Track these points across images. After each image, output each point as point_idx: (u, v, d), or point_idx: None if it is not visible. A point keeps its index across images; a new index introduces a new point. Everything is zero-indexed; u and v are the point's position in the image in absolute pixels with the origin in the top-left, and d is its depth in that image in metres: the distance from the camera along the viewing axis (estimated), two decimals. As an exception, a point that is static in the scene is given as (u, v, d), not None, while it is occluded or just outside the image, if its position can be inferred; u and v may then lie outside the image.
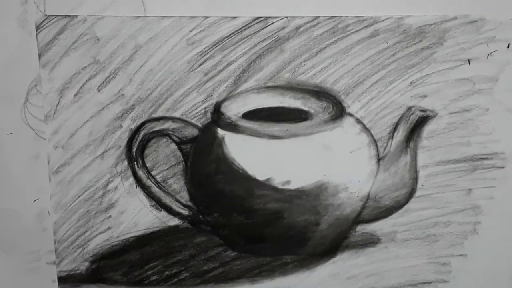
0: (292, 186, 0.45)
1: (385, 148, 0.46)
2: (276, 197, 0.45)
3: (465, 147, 0.46)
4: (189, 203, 0.47)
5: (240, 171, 0.45)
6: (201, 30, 0.44)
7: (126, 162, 0.46)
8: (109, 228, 0.47)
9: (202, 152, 0.46)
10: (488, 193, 0.47)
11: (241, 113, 0.45)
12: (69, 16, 0.44)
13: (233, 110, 0.45)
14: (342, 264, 0.48)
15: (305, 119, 0.45)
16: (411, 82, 0.45)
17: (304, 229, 0.46)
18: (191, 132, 0.46)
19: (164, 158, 0.47)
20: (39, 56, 0.44)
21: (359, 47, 0.45)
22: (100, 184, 0.47)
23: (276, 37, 0.44)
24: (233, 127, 0.45)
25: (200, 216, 0.47)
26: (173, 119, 0.46)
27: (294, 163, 0.45)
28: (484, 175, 0.47)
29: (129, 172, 0.47)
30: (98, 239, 0.48)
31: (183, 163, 0.47)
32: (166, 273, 0.48)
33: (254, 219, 0.46)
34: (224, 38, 0.44)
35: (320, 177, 0.45)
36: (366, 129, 0.46)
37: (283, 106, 0.46)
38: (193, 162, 0.46)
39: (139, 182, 0.47)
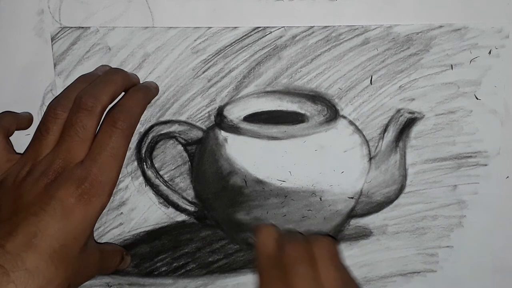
0: (290, 183, 0.46)
1: (376, 147, 0.47)
2: (274, 194, 0.46)
3: (450, 146, 0.47)
4: (195, 200, 0.48)
5: (242, 170, 0.46)
6: (205, 40, 0.44)
7: (136, 163, 0.47)
8: (121, 224, 0.48)
9: (206, 152, 0.47)
10: (472, 188, 0.47)
11: (242, 116, 0.46)
12: (82, 27, 0.44)
13: (235, 113, 0.46)
14: (337, 255, 0.48)
15: (302, 121, 0.46)
16: (400, 86, 0.45)
17: (301, 223, 0.47)
18: (196, 134, 0.46)
19: (171, 158, 0.47)
20: (54, 65, 0.45)
21: (351, 54, 0.45)
22: (112, 184, 0.47)
23: (274, 45, 0.45)
24: (235, 129, 0.46)
25: (205, 212, 0.48)
26: (179, 122, 0.46)
27: (292, 162, 0.46)
28: (469, 172, 0.47)
29: (139, 172, 0.47)
30: (111, 234, 0.48)
31: (189, 163, 0.47)
32: (174, 264, 0.49)
33: (254, 214, 0.47)
34: (226, 46, 0.45)
35: (316, 175, 0.46)
36: (358, 130, 0.46)
37: (281, 109, 0.46)
38: (198, 162, 0.47)
39: (148, 181, 0.47)
